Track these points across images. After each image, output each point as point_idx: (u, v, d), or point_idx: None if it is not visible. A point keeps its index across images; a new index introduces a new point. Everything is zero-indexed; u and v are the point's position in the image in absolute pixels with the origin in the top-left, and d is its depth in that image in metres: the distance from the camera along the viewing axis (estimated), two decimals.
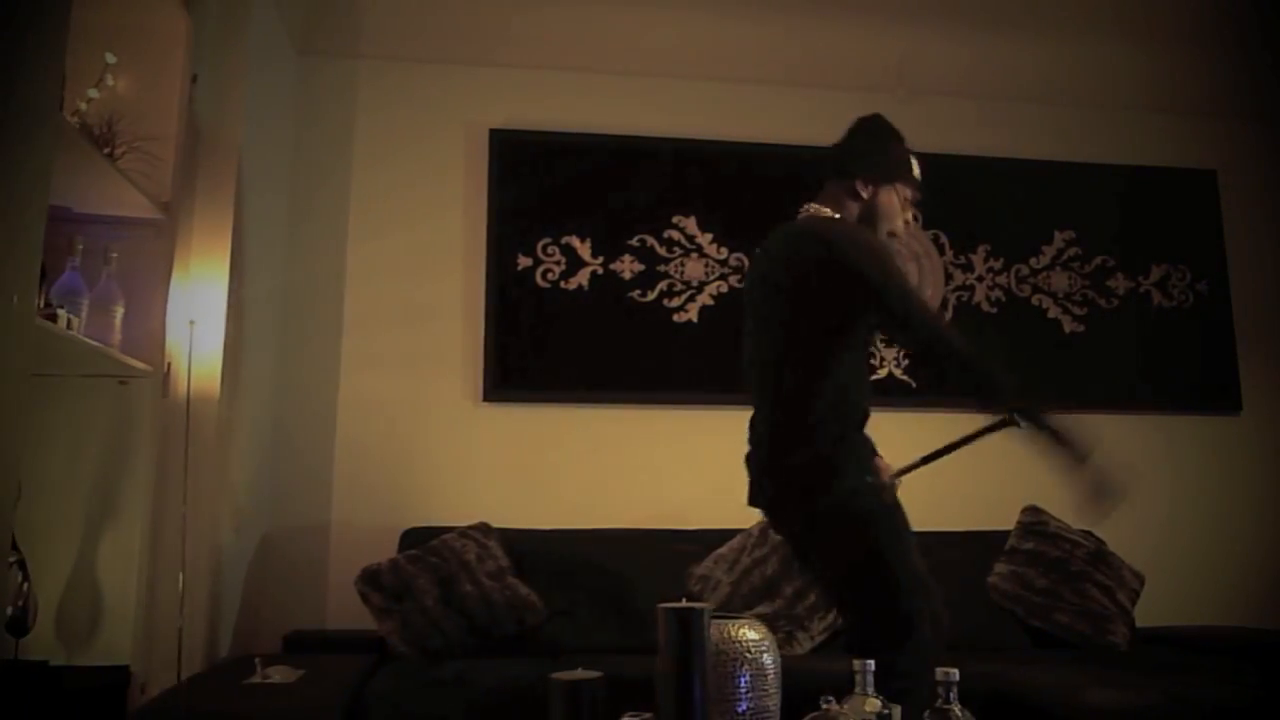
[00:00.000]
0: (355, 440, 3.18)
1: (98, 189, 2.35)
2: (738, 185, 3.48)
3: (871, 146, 2.15)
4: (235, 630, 2.80)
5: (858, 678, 1.53)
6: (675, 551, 2.99)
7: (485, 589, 2.73)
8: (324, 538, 3.12)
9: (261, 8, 2.92)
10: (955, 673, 1.44)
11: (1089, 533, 3.19)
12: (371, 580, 2.73)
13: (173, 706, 1.97)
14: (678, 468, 3.29)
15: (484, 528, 2.93)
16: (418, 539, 2.90)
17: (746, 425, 2.27)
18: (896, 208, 2.14)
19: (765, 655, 1.31)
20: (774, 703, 1.32)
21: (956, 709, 1.43)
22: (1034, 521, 3.16)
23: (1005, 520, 3.22)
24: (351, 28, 3.33)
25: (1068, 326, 3.60)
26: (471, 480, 3.19)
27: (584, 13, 3.35)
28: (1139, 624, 3.17)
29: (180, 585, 2.38)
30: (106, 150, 2.36)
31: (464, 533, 2.88)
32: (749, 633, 1.31)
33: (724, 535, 3.02)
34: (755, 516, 3.03)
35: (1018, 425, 1.93)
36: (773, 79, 3.60)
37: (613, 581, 2.90)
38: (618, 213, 3.38)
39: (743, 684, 1.27)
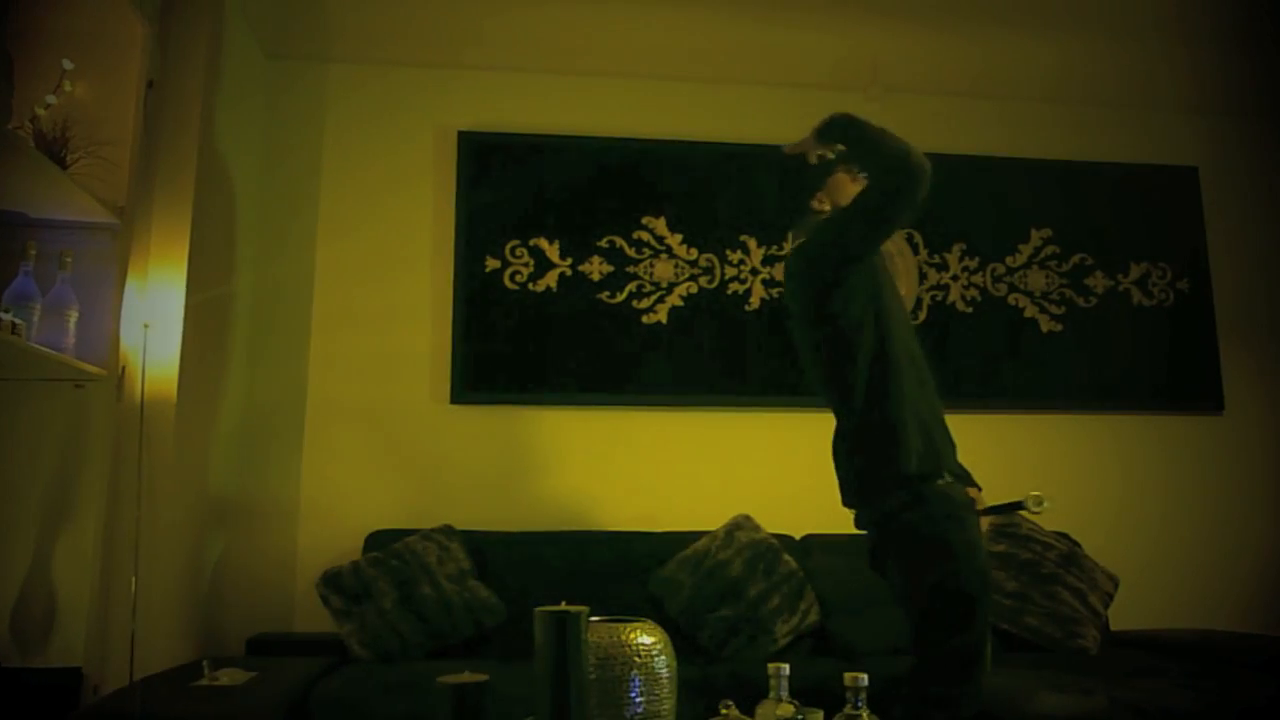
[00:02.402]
0: (323, 442, 3.18)
1: (52, 194, 2.37)
2: (707, 186, 3.46)
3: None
4: (200, 633, 2.81)
5: (772, 682, 1.52)
6: (641, 553, 2.97)
7: (444, 591, 2.72)
8: (292, 540, 3.12)
9: (226, 13, 2.93)
10: (864, 678, 1.42)
11: (1062, 535, 3.16)
12: (332, 583, 2.73)
13: (112, 708, 1.97)
14: (647, 470, 3.28)
15: (447, 530, 2.93)
16: (383, 541, 2.91)
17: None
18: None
19: (659, 659, 1.29)
20: (668, 707, 1.30)
21: (865, 715, 1.41)
22: (1006, 523, 3.12)
23: None
24: (321, 32, 3.33)
25: (1045, 326, 3.55)
26: (439, 483, 3.19)
27: (552, 15, 3.34)
28: (1116, 627, 3.14)
29: (133, 588, 2.38)
30: (62, 154, 2.39)
31: (427, 535, 2.88)
32: (643, 637, 1.29)
33: (690, 537, 3.00)
34: (723, 519, 3.03)
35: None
36: (742, 79, 3.58)
37: (576, 584, 2.87)
38: (586, 214, 3.37)
39: (634, 689, 1.25)
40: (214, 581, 2.93)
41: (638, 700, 1.24)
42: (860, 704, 1.41)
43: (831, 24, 3.48)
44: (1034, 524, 3.13)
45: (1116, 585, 3.08)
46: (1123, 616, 3.18)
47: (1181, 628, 3.24)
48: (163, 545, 2.50)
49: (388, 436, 3.21)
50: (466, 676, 1.18)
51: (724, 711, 1.32)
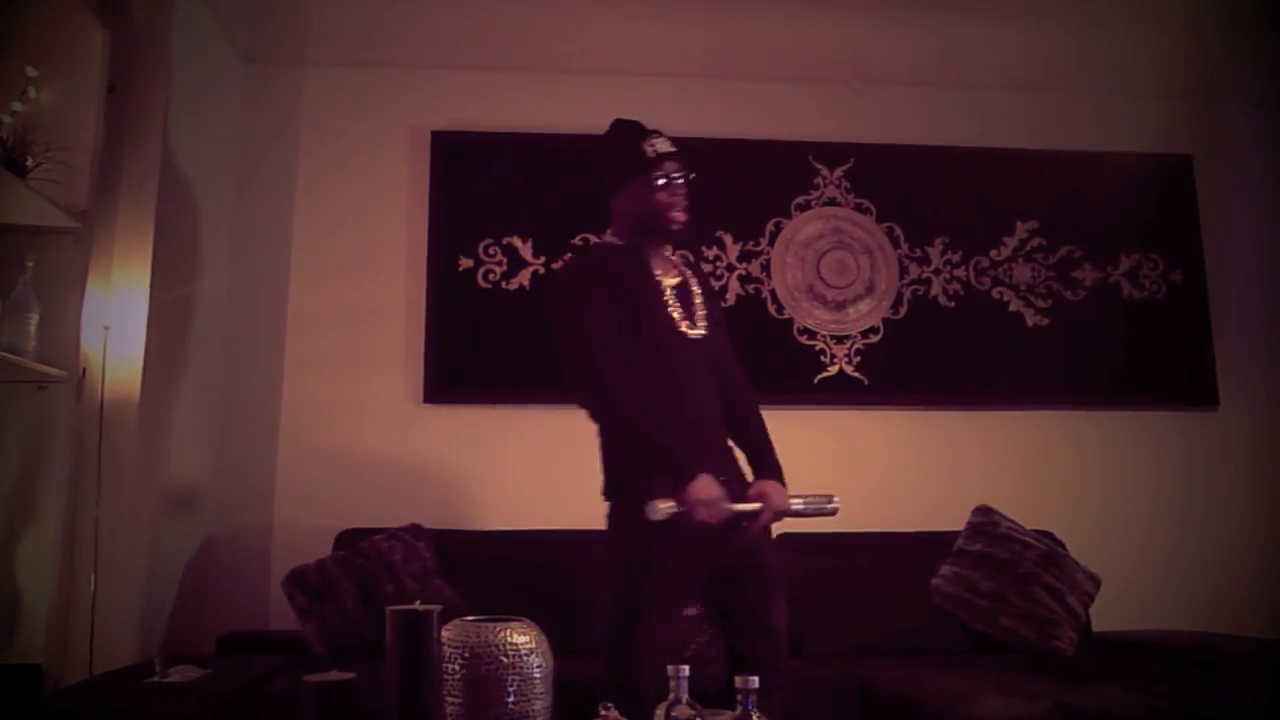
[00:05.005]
0: (298, 442, 3.21)
1: (11, 201, 2.41)
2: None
3: (611, 159, 2.11)
4: (173, 631, 2.84)
5: (672, 683, 1.49)
6: None
7: (406, 589, 2.72)
8: (266, 539, 3.15)
9: (194, 16, 2.96)
10: (754, 680, 1.39)
11: (1042, 534, 3.08)
12: (297, 581, 2.75)
13: (57, 705, 2.00)
14: None
15: (415, 529, 2.93)
16: (352, 540, 2.92)
17: None
18: (652, 202, 2.04)
19: (531, 658, 1.28)
20: (540, 706, 1.29)
21: (754, 717, 1.38)
22: (984, 522, 3.06)
23: (958, 522, 3.12)
24: (296, 34, 3.36)
25: (1030, 320, 3.47)
26: (412, 482, 3.20)
27: (525, 13, 3.33)
28: (1105, 628, 3.06)
29: (92, 586, 2.42)
30: (23, 160, 2.43)
31: (394, 534, 2.89)
32: (514, 636, 1.28)
33: None
34: None
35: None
36: (721, 74, 3.54)
37: (544, 582, 2.87)
38: (559, 212, 3.36)
39: (506, 688, 1.24)
40: (187, 580, 2.96)
41: (508, 700, 1.23)
42: (751, 706, 1.38)
43: (812, 17, 3.43)
44: (1013, 522, 3.07)
45: (1098, 586, 3.00)
46: (1113, 617, 3.10)
47: (1172, 629, 3.15)
48: (124, 544, 2.54)
49: (361, 436, 3.23)
50: (333, 675, 1.18)
51: (603, 713, 1.30)
